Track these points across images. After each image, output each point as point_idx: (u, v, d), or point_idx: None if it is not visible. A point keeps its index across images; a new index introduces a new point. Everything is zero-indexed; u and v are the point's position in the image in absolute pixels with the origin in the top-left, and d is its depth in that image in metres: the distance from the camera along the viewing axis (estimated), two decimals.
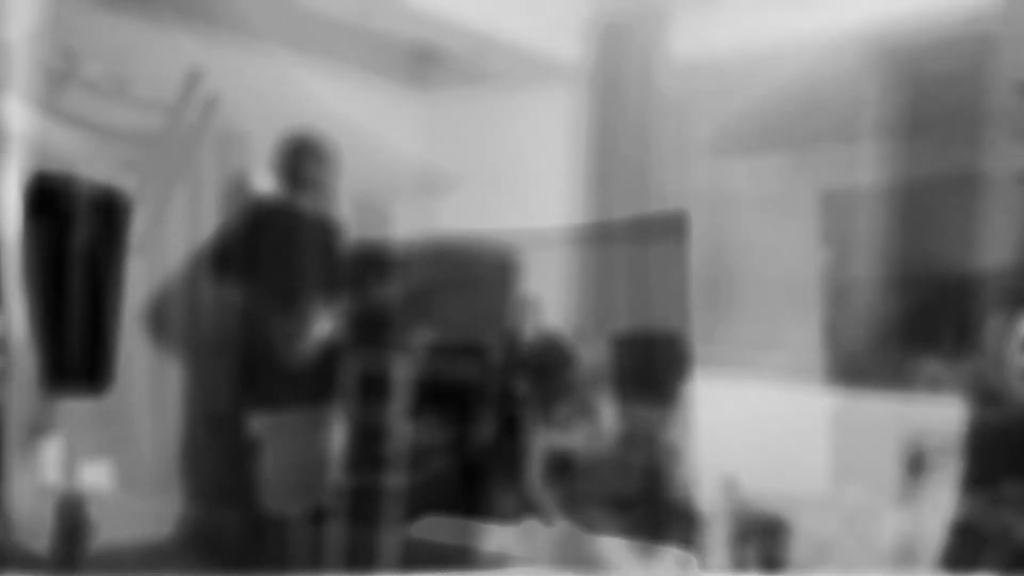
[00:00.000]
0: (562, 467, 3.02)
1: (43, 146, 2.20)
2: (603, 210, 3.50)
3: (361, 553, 2.72)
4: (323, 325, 2.90)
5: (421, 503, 2.80)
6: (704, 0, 3.29)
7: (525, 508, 2.87)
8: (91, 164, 2.42)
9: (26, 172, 2.16)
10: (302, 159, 2.94)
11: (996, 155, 2.66)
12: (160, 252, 3.04)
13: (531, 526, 2.74)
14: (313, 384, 2.89)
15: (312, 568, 2.70)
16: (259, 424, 2.75)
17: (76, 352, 2.38)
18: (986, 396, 2.23)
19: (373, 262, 3.14)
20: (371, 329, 2.99)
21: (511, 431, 3.05)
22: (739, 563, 2.71)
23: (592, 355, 3.38)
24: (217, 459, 3.06)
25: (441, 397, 3.06)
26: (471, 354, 3.15)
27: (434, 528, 2.64)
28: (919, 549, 2.43)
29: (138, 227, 2.71)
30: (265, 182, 3.10)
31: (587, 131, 3.58)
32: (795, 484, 2.83)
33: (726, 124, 3.29)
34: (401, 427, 2.88)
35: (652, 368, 3.18)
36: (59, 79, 2.53)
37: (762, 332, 3.15)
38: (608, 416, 3.17)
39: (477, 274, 3.27)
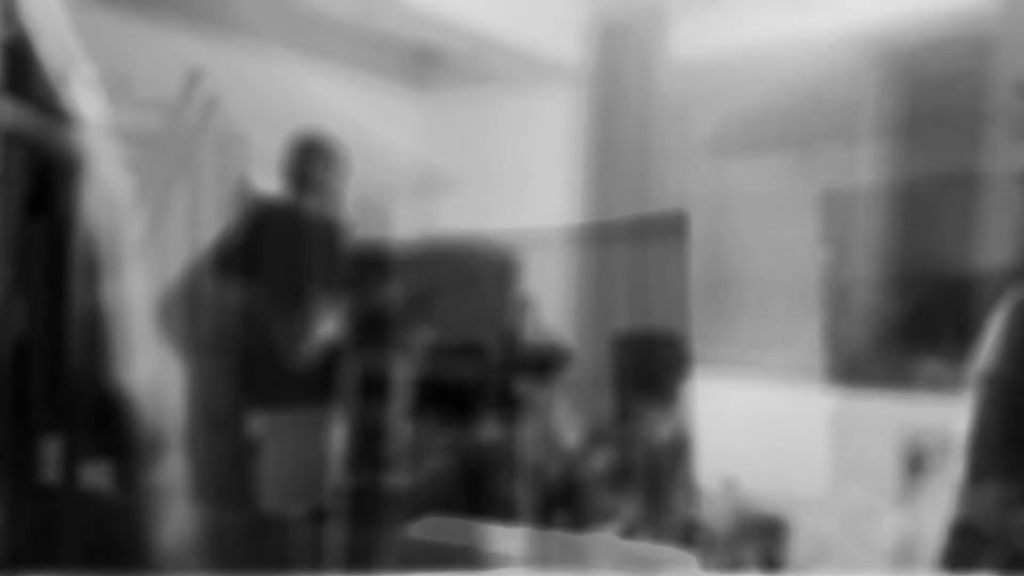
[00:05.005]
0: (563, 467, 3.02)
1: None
2: (603, 210, 3.50)
3: (361, 553, 2.72)
4: (327, 326, 2.91)
5: (421, 503, 2.80)
6: (704, 0, 3.29)
7: (524, 509, 2.87)
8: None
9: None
10: (310, 161, 2.94)
11: (996, 155, 2.66)
12: (160, 252, 3.04)
13: (530, 528, 2.74)
14: (314, 384, 2.89)
15: (312, 568, 2.71)
16: (259, 424, 2.75)
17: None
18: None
19: (373, 263, 3.14)
20: (372, 329, 2.99)
21: (510, 431, 3.05)
22: (739, 563, 2.71)
23: (592, 355, 3.38)
24: (218, 459, 3.06)
25: (441, 397, 3.06)
26: (471, 354, 3.15)
27: (434, 528, 2.64)
28: (919, 549, 2.43)
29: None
30: (268, 183, 3.10)
31: (587, 131, 3.58)
32: (795, 484, 2.83)
33: (726, 124, 3.29)
34: (401, 427, 2.88)
35: (652, 368, 3.18)
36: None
37: (762, 332, 3.16)
38: (607, 416, 3.17)
39: (477, 274, 3.27)
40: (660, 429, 2.98)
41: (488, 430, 3.07)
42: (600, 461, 2.93)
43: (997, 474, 1.71)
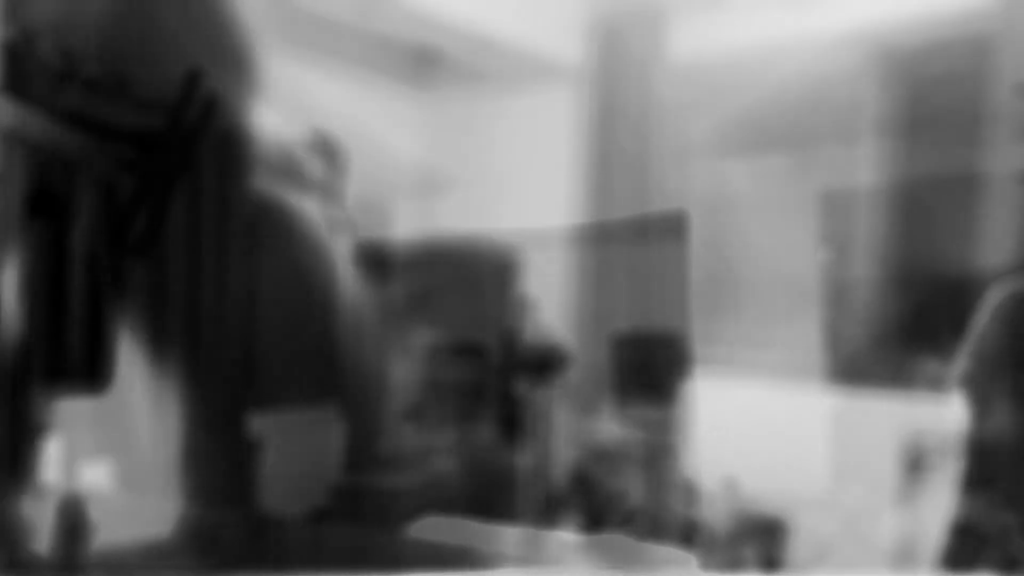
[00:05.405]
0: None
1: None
2: (603, 210, 3.50)
3: (361, 553, 2.72)
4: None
5: (421, 503, 2.80)
6: (704, 0, 3.29)
7: (523, 509, 2.87)
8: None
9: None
10: (310, 159, 2.95)
11: (996, 155, 2.66)
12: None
13: (529, 528, 2.74)
14: (315, 384, 2.89)
15: (312, 568, 2.71)
16: (259, 424, 2.75)
17: (76, 351, 2.38)
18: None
19: (373, 263, 3.14)
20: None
21: (510, 431, 3.05)
22: (739, 563, 2.71)
23: (592, 355, 3.38)
24: (218, 459, 3.06)
25: (441, 397, 3.06)
26: (471, 354, 3.15)
27: (434, 528, 2.64)
28: (919, 549, 2.43)
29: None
30: (268, 183, 3.10)
31: (587, 132, 3.58)
32: (795, 484, 2.83)
33: (725, 124, 3.29)
34: (401, 427, 2.88)
35: (652, 368, 3.18)
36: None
37: (762, 332, 3.16)
38: (608, 417, 3.17)
39: (477, 274, 3.27)
40: (629, 498, 2.96)
41: (488, 430, 3.07)
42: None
43: (995, 473, 1.71)
